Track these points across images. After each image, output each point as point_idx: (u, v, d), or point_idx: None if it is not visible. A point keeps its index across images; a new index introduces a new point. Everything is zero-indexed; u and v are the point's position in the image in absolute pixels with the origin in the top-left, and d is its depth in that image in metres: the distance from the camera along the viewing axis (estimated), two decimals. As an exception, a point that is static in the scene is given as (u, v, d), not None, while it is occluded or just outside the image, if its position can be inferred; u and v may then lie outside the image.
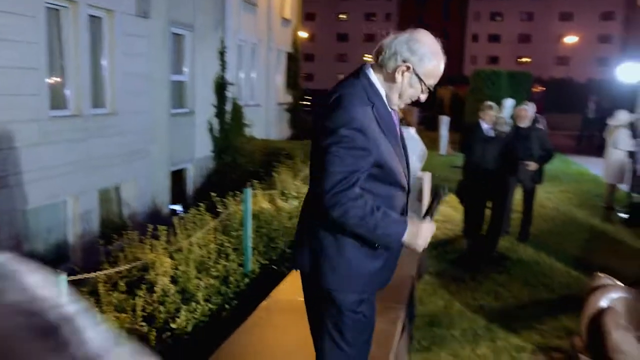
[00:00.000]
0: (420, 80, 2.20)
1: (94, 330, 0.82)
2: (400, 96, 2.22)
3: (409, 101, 2.28)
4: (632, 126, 8.83)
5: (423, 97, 2.26)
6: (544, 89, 35.94)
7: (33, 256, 6.90)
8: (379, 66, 2.25)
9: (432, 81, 2.23)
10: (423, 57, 2.19)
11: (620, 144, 8.35)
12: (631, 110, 9.94)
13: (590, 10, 59.31)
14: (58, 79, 7.92)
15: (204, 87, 12.28)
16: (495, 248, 6.63)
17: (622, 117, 8.71)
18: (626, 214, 7.71)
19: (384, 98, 2.21)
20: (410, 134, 6.36)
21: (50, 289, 0.92)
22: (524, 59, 61.72)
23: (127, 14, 9.13)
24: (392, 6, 65.53)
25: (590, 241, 7.56)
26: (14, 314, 0.77)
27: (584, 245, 7.33)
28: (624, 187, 9.28)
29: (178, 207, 11.02)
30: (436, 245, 6.83)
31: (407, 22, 65.15)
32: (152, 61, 9.94)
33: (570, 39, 53.67)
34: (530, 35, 62.79)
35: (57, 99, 7.84)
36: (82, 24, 8.09)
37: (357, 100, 2.11)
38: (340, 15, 65.98)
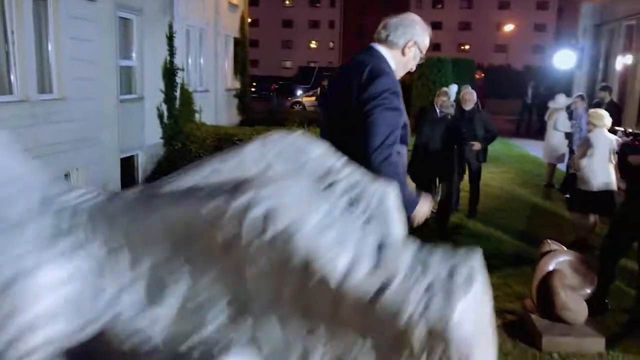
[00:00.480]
0: (420, 52, 2.71)
1: None
2: (404, 67, 2.57)
3: (405, 72, 2.75)
4: (569, 109, 9.41)
5: (414, 66, 2.76)
6: (483, 75, 37.40)
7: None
8: (387, 43, 2.66)
9: (424, 52, 2.75)
10: (423, 33, 2.69)
11: (559, 125, 8.91)
12: (568, 94, 10.56)
13: (527, 0, 61.54)
14: (3, 64, 7.63)
15: (153, 73, 12.07)
16: (446, 224, 6.98)
17: (561, 100, 9.31)
18: (561, 188, 8.25)
19: (394, 69, 2.61)
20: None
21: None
22: (465, 47, 63.39)
23: (74, -4, 8.87)
24: (336, -7, 65.80)
25: (533, 216, 8.08)
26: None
27: (528, 220, 7.83)
28: (562, 166, 9.89)
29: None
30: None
31: (351, 9, 65.56)
32: (99, 46, 9.70)
33: (508, 27, 55.61)
34: (470, 23, 64.52)
35: (2, 85, 7.57)
36: (26, 7, 7.81)
37: (388, 69, 2.54)
38: (286, 2, 65.60)
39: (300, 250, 1.25)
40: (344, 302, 1.22)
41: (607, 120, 5.76)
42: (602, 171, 5.86)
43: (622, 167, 4.87)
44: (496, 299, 4.64)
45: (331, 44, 66.22)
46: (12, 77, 7.73)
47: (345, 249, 1.25)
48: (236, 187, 1.40)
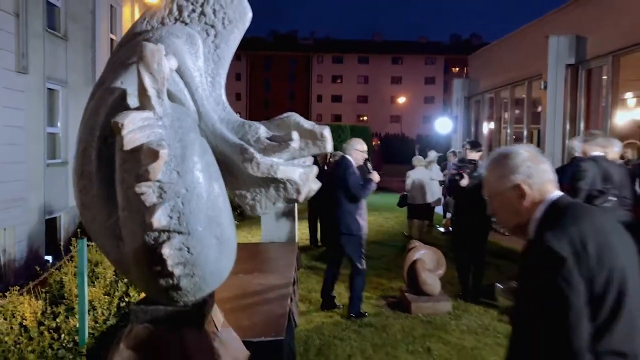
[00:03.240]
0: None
1: None
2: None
3: None
4: (440, 161, 11.53)
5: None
6: (379, 142, 41.45)
7: None
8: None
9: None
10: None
11: (434, 175, 10.82)
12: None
13: (416, 76, 67.63)
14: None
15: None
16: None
17: (431, 154, 11.39)
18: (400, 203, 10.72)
19: None
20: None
21: None
22: (363, 117, 67.78)
23: (7, 69, 9.68)
24: (242, 67, 68.45)
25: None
26: None
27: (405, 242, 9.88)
28: (439, 209, 11.97)
29: (49, 258, 11.28)
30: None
31: (256, 82, 68.39)
32: (29, 114, 10.44)
33: (401, 100, 60.70)
34: (367, 96, 69.38)
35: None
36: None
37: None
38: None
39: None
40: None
41: (420, 161, 8.01)
42: (421, 193, 9.65)
43: (451, 188, 6.60)
44: (382, 288, 6.24)
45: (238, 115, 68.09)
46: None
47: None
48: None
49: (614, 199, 4.71)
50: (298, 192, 1.94)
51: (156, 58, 1.64)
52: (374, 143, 37.39)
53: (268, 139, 1.91)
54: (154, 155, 1.62)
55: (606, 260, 1.60)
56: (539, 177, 1.78)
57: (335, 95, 69.21)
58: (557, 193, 1.79)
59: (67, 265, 5.38)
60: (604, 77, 10.31)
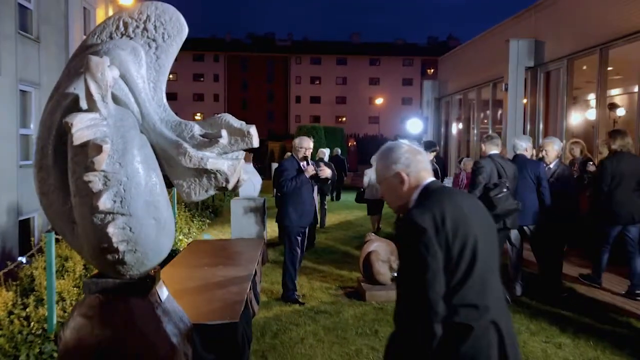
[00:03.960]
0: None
1: None
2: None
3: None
4: None
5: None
6: (355, 143, 42.04)
7: None
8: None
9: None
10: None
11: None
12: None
13: (394, 77, 68.37)
14: None
15: (49, 141, 12.93)
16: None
17: None
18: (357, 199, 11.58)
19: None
20: (250, 167, 8.42)
21: None
22: (342, 118, 68.28)
23: (-20, 72, 9.84)
24: (220, 68, 68.47)
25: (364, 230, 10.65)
26: None
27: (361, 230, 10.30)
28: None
29: (22, 259, 11.40)
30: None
31: (234, 83, 68.46)
32: (1, 116, 10.59)
33: (379, 101, 61.35)
34: (346, 97, 69.90)
35: None
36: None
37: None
38: (169, 76, 67.08)
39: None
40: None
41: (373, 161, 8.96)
42: (377, 189, 9.37)
43: None
44: (341, 280, 6.59)
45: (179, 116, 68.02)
46: None
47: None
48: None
49: (506, 190, 5.45)
50: (227, 181, 2.28)
51: (100, 69, 1.95)
52: (349, 144, 37.95)
53: (201, 135, 2.24)
54: (99, 149, 1.94)
55: (461, 232, 1.97)
56: (415, 166, 2.15)
57: (314, 97, 69.60)
58: (429, 179, 2.17)
59: (38, 260, 5.62)
60: (561, 80, 10.83)
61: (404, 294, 2.00)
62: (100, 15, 16.99)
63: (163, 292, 2.41)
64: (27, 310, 4.35)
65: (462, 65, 16.26)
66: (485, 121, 14.69)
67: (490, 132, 14.24)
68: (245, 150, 2.30)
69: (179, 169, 2.22)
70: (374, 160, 8.57)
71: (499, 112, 13.90)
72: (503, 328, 2.04)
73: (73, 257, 5.85)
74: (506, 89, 11.92)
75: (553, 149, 6.25)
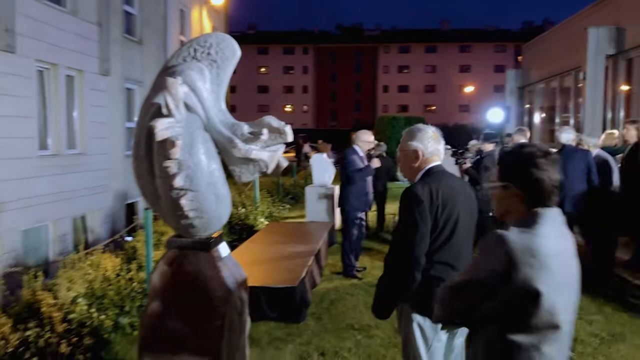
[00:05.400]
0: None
1: None
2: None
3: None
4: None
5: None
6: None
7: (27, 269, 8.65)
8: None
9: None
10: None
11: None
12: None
13: (485, 64, 66.49)
14: (42, 126, 9.88)
15: (151, 133, 14.38)
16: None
17: (472, 143, 12.01)
18: None
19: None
20: (324, 158, 9.12)
21: None
22: (431, 107, 67.53)
23: (93, 72, 11.27)
24: (309, 60, 69.98)
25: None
26: None
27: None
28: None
29: (129, 237, 12.89)
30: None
31: (322, 74, 69.75)
32: (111, 111, 12.05)
33: (469, 89, 60.07)
34: (435, 86, 68.97)
35: (42, 141, 9.78)
36: (60, 82, 10.16)
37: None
38: (261, 69, 69.60)
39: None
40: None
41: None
42: None
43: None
44: None
45: (305, 107, 69.92)
46: (48, 135, 9.97)
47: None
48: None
49: None
50: (267, 167, 2.99)
51: (174, 86, 2.73)
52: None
53: (249, 133, 2.95)
54: (173, 144, 2.71)
55: (449, 207, 2.57)
56: (431, 150, 2.76)
57: (402, 86, 69.32)
58: (436, 163, 2.75)
59: (139, 234, 6.70)
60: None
61: (396, 247, 2.64)
62: (194, 16, 18.39)
63: (224, 250, 3.17)
64: (131, 273, 5.35)
65: (545, 54, 16.02)
66: (568, 110, 14.46)
67: (571, 121, 14.02)
68: (284, 143, 3.02)
69: (232, 158, 2.96)
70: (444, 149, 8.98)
71: (581, 100, 13.68)
72: None
73: (167, 232, 6.88)
74: (585, 78, 11.79)
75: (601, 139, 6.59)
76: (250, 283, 3.39)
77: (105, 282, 4.86)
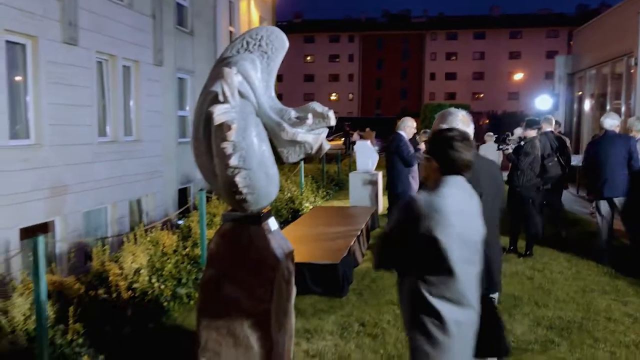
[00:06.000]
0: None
1: None
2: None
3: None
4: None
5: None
6: (487, 121, 41.39)
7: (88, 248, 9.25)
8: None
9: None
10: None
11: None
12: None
13: (537, 50, 64.64)
14: (101, 114, 10.49)
15: (201, 121, 14.92)
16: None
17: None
18: None
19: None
20: (368, 145, 9.40)
21: None
22: (479, 95, 66.33)
23: (147, 63, 11.83)
24: (355, 48, 69.86)
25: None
26: None
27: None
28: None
29: (180, 221, 13.49)
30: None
31: (368, 62, 69.56)
32: (164, 100, 12.61)
33: (519, 76, 58.64)
34: (483, 73, 67.62)
35: (101, 129, 10.40)
36: (118, 72, 10.74)
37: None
38: (307, 57, 69.99)
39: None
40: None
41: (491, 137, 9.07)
42: None
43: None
44: None
45: (350, 96, 69.96)
46: (107, 123, 10.58)
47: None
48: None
49: (556, 159, 7.30)
50: (311, 149, 3.29)
51: (230, 76, 3.05)
52: (480, 122, 37.39)
53: (296, 117, 3.25)
54: (229, 127, 3.03)
55: (472, 184, 2.81)
56: None
57: (449, 73, 68.32)
58: None
59: (193, 214, 7.15)
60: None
61: None
62: (243, 7, 18.81)
63: (273, 224, 3.51)
64: (186, 250, 5.79)
65: (596, 39, 15.65)
66: (619, 97, 14.14)
67: (622, 108, 13.69)
68: (327, 127, 3.31)
69: (280, 140, 3.27)
70: (487, 136, 9.37)
71: (632, 87, 13.34)
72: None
73: (218, 213, 7.31)
74: (636, 63, 11.55)
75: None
76: (296, 260, 3.71)
77: (163, 257, 5.30)
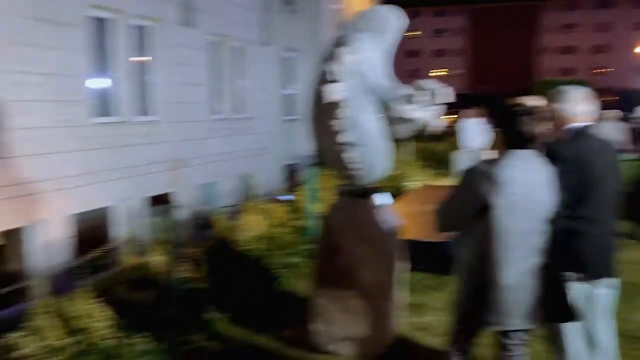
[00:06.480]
0: None
1: None
2: None
3: None
4: None
5: None
6: (615, 98, 37.95)
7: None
8: None
9: None
10: None
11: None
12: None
13: (668, 18, 58.73)
14: (215, 92, 11.04)
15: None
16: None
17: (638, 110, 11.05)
18: None
19: None
20: (474, 123, 9.18)
21: None
22: (600, 70, 61.55)
23: (256, 42, 12.23)
24: (461, 21, 67.34)
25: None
26: None
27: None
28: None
29: (286, 197, 13.88)
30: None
31: (475, 36, 66.66)
32: (270, 79, 13.00)
33: (647, 49, 53.53)
34: (605, 46, 62.59)
35: (215, 106, 10.95)
36: (228, 52, 11.21)
37: None
38: (411, 33, 68.51)
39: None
40: None
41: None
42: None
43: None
44: None
45: (457, 71, 67.72)
46: (219, 101, 11.11)
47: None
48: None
49: None
50: (421, 126, 3.33)
51: (342, 55, 3.14)
52: (602, 100, 34.60)
53: (406, 95, 3.27)
54: (340, 105, 3.14)
55: (588, 166, 2.79)
56: (574, 110, 2.95)
57: (566, 47, 63.90)
58: (580, 124, 2.91)
59: (300, 190, 7.41)
60: None
61: None
62: (348, -16, 18.70)
63: (380, 199, 3.63)
64: (297, 222, 6.05)
65: None
66: None
67: None
68: (440, 104, 3.32)
69: (391, 118, 3.33)
70: (608, 113, 8.76)
71: None
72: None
73: (324, 188, 7.52)
74: None
75: None
76: (405, 236, 3.80)
77: (274, 228, 5.61)
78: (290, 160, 14.47)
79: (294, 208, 7.04)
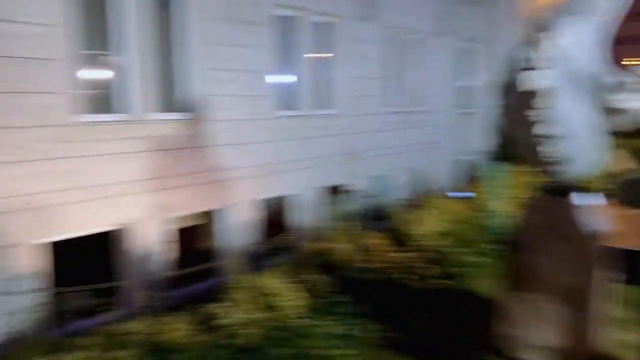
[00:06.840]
0: None
1: None
2: None
3: None
4: None
5: None
6: None
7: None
8: None
9: None
10: None
11: None
12: None
13: None
14: (390, 85, 11.05)
15: (482, 91, 14.50)
16: None
17: None
18: None
19: None
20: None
21: None
22: None
23: (432, 34, 11.99)
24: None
25: None
26: None
27: None
28: None
29: (458, 193, 13.29)
30: None
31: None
32: (444, 72, 12.65)
33: None
34: None
35: (390, 99, 10.95)
36: (404, 46, 11.14)
37: None
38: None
39: None
40: None
41: None
42: None
43: None
44: None
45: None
46: (396, 94, 11.08)
47: None
48: None
49: None
50: (636, 117, 2.93)
51: (541, 41, 2.92)
52: None
53: (617, 83, 2.92)
54: (541, 94, 2.92)
55: None
56: None
57: None
58: None
59: (478, 186, 7.11)
60: None
61: None
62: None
63: (581, 199, 3.29)
64: (475, 219, 5.87)
65: None
66: None
67: None
68: None
69: (605, 108, 3.02)
70: None
71: None
72: None
73: (505, 185, 7.15)
74: None
75: None
76: (615, 244, 3.44)
77: (451, 223, 5.48)
78: (464, 156, 13.95)
79: (473, 205, 6.79)
